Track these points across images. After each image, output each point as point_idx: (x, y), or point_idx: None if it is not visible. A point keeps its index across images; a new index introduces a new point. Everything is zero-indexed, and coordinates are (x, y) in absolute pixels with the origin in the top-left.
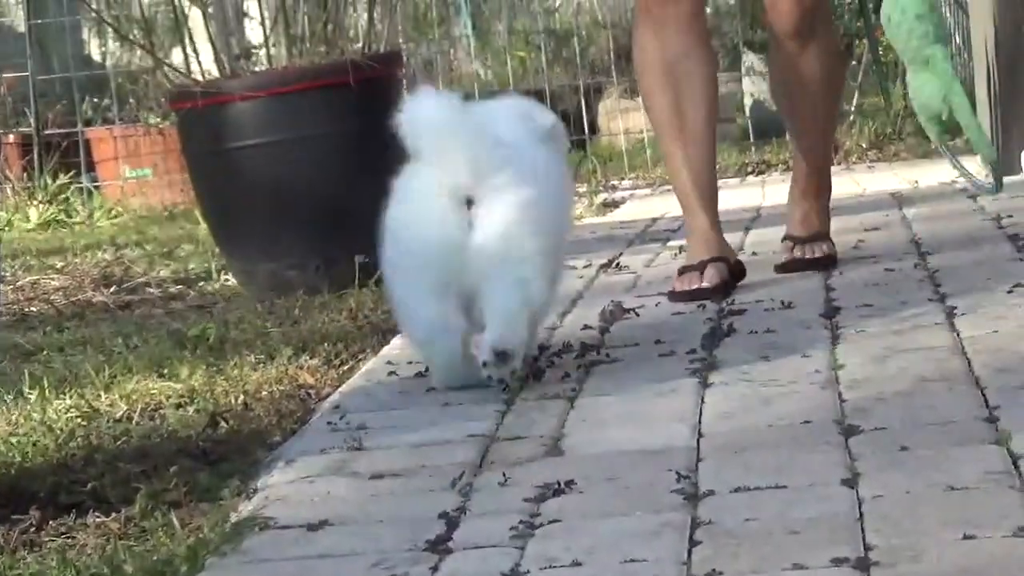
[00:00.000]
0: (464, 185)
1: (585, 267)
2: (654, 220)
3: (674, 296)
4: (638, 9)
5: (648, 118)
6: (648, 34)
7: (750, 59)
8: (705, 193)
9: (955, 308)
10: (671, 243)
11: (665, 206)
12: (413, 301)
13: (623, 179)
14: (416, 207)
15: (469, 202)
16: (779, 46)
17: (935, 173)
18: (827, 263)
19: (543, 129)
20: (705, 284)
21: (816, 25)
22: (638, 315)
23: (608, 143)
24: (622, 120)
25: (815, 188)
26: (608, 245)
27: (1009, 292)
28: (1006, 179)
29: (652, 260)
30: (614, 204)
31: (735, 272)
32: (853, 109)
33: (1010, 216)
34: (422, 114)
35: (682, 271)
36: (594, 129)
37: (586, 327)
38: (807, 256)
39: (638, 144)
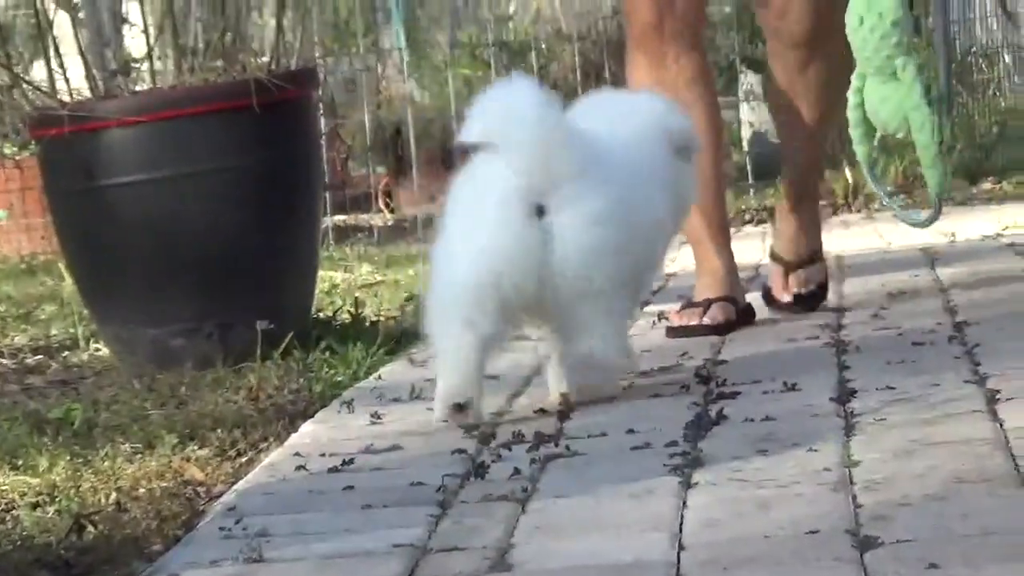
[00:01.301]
0: (536, 184)
1: (540, 338)
2: None
3: (671, 332)
4: (631, 43)
5: None
6: (641, 70)
7: (749, 80)
8: (718, 235)
9: (998, 392)
10: (650, 308)
11: None
12: (441, 319)
13: None
14: (476, 203)
15: (540, 210)
16: (782, 56)
17: (976, 223)
18: (820, 298)
19: (679, 135)
20: (706, 321)
21: (827, 35)
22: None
23: None
24: None
25: (806, 201)
26: None
27: None
28: None
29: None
30: None
31: (743, 314)
32: (876, 144)
33: None
34: (504, 100)
35: (684, 306)
36: None
37: (541, 412)
38: (802, 291)
39: None
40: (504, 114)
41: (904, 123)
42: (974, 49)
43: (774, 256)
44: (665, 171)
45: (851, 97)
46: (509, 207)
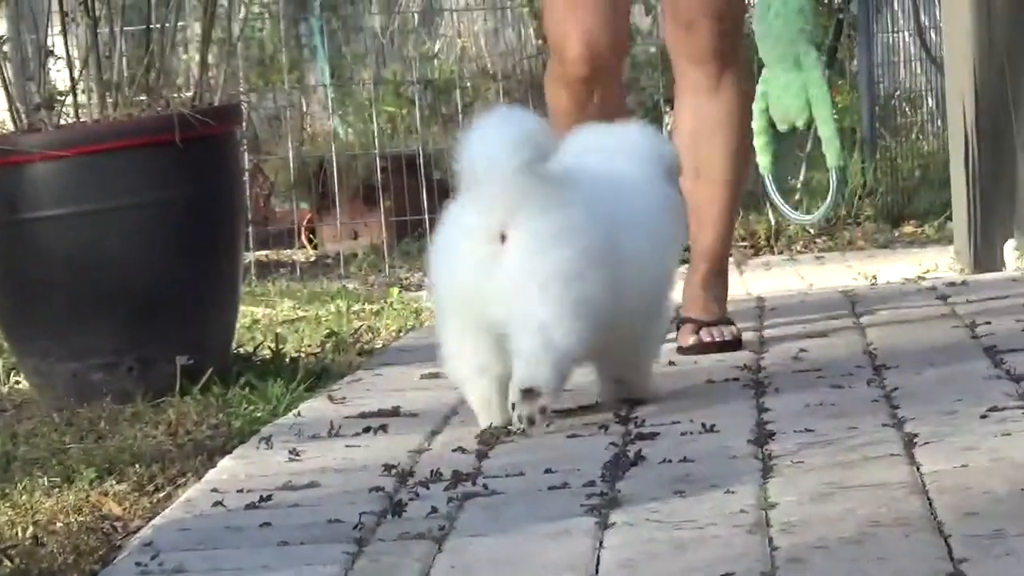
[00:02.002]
0: (498, 219)
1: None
2: None
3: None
4: (554, 77)
5: None
6: (563, 103)
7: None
8: None
9: (916, 436)
10: None
11: None
12: (447, 341)
13: None
14: (446, 241)
15: (503, 238)
16: (693, 81)
17: (897, 267)
18: (736, 346)
19: (668, 159)
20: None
21: (734, 54)
22: (524, 436)
23: None
24: None
25: (718, 267)
26: None
27: (983, 417)
28: (988, 276)
29: None
30: None
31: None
32: (800, 185)
33: (987, 323)
34: (476, 137)
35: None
36: None
37: (460, 450)
38: (716, 339)
39: None
40: (475, 151)
41: (806, 107)
42: (898, 92)
43: (684, 320)
44: (665, 197)
45: (756, 103)
46: (472, 240)
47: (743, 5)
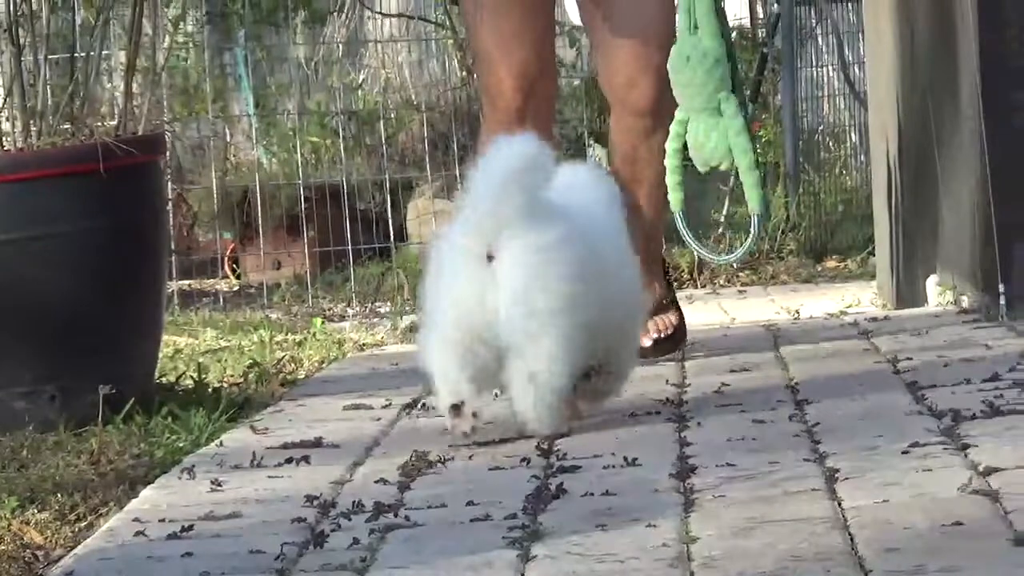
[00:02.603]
0: (484, 239)
1: (384, 407)
2: None
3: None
4: (491, 123)
5: None
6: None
7: (596, 153)
8: None
9: (837, 471)
10: None
11: None
12: (434, 365)
13: None
14: (439, 264)
15: (490, 258)
16: (630, 125)
17: (820, 302)
18: (679, 338)
19: (614, 191)
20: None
21: (668, 106)
22: (447, 468)
23: (419, 252)
24: (436, 225)
25: (655, 264)
26: (413, 380)
27: (904, 453)
28: (910, 311)
29: None
30: None
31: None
32: (723, 220)
33: (909, 358)
34: (479, 173)
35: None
36: (402, 235)
37: (382, 481)
38: (662, 334)
39: None
40: (480, 177)
41: (728, 153)
42: (821, 127)
43: None
44: (621, 220)
45: (669, 144)
46: (462, 260)
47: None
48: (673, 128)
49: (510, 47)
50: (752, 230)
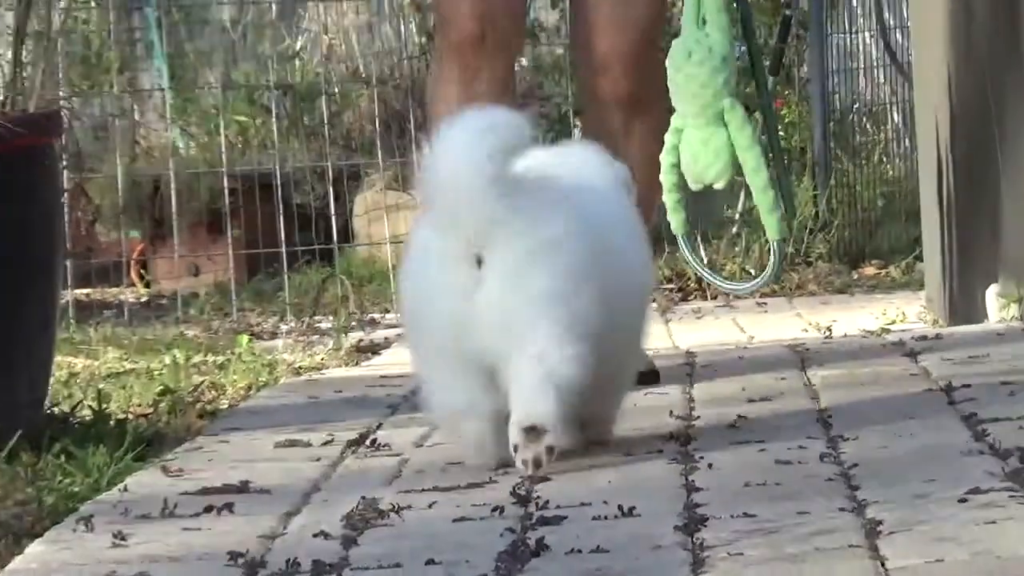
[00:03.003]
0: (473, 243)
1: (324, 444)
2: None
3: None
4: (444, 54)
5: None
6: (452, 84)
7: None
8: None
9: (879, 523)
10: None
11: None
12: (431, 380)
13: (387, 311)
14: (420, 270)
15: (479, 261)
16: (605, 122)
17: (856, 317)
18: (651, 379)
19: (620, 173)
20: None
21: (649, 101)
22: (402, 518)
23: (368, 256)
24: (389, 223)
25: None
26: (361, 411)
27: (961, 501)
28: (966, 329)
29: (425, 436)
30: (372, 349)
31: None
32: (738, 218)
33: (966, 385)
34: (438, 153)
35: None
36: (347, 235)
37: (323, 535)
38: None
39: None
40: (439, 164)
41: (726, 168)
42: (857, 106)
43: None
44: (631, 207)
45: (665, 158)
46: (445, 266)
47: (657, 49)
48: (668, 139)
49: None
50: (772, 257)
